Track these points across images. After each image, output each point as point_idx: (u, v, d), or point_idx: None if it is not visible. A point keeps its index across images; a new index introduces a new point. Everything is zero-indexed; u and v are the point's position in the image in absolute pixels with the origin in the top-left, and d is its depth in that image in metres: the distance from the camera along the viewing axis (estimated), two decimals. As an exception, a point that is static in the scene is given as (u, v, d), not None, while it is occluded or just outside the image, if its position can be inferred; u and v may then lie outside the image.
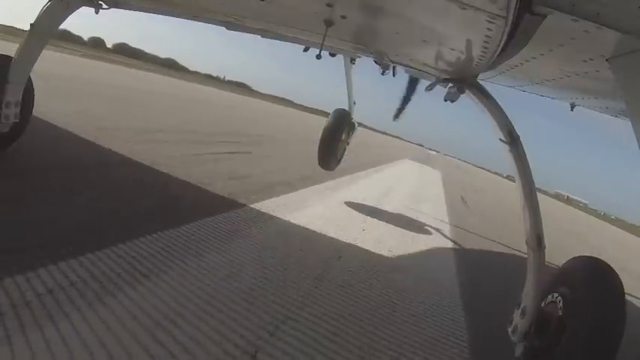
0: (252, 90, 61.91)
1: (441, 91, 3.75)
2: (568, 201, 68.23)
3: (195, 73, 54.96)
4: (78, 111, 7.29)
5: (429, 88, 3.89)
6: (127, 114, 8.91)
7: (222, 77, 62.31)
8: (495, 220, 10.42)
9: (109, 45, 43.03)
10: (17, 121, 3.87)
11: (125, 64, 29.64)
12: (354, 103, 7.18)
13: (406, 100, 5.74)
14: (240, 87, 58.49)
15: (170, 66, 48.20)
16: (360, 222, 5.73)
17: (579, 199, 76.64)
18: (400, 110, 6.09)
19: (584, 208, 62.61)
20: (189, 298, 2.50)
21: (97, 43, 39.37)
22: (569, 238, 13.60)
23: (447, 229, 7.23)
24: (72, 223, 3.03)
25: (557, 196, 70.20)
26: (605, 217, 53.98)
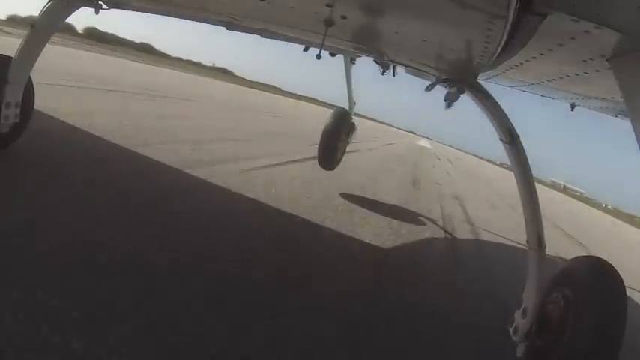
0: (236, 76, 60.33)
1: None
2: (565, 190, 66.33)
3: (178, 59, 53.19)
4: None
5: (429, 88, 3.89)
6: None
7: (211, 64, 61.45)
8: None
9: (79, 29, 40.22)
10: (17, 121, 3.87)
11: (101, 50, 28.21)
12: (355, 102, 7.20)
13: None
14: (224, 73, 56.84)
15: (147, 51, 45.64)
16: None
17: (575, 187, 74.66)
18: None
19: (580, 197, 60.77)
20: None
21: (66, 28, 36.86)
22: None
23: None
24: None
25: (553, 185, 68.31)
26: (605, 209, 51.91)
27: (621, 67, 1.93)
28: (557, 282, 2.67)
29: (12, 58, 3.72)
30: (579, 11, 1.56)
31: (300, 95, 62.85)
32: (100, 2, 3.82)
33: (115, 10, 3.99)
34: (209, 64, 60.80)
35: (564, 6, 1.57)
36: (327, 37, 2.88)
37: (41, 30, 3.77)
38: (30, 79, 4.01)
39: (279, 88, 65.97)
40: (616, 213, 45.62)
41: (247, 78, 60.82)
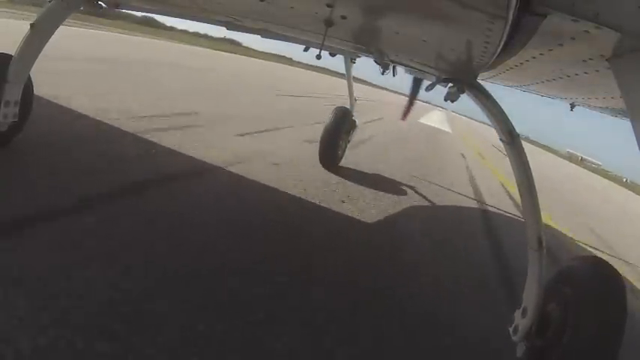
0: (246, 47, 57.38)
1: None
2: (582, 162, 61.85)
3: (184, 31, 51.04)
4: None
5: (429, 88, 3.90)
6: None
7: (223, 36, 59.97)
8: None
9: (79, 5, 38.56)
10: (16, 120, 3.87)
11: (107, 27, 26.48)
12: (355, 100, 7.22)
13: (412, 100, 5.68)
14: (231, 44, 54.02)
15: (150, 25, 43.46)
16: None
17: (592, 159, 70.62)
18: (407, 110, 6.03)
19: (597, 170, 57.18)
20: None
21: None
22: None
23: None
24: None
25: (570, 157, 63.66)
26: (625, 184, 46.63)
27: (621, 67, 1.92)
28: (558, 282, 2.68)
29: (12, 56, 3.73)
30: (579, 11, 1.56)
31: (316, 67, 56.76)
32: (100, 2, 3.83)
33: (115, 9, 4.00)
34: (218, 36, 58.55)
35: (564, 6, 1.56)
36: (327, 37, 2.87)
37: (41, 29, 3.77)
38: (29, 78, 4.02)
39: (290, 59, 63.33)
40: (633, 187, 43.23)
41: (256, 49, 59.31)
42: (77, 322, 2.05)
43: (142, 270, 2.66)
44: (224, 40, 54.18)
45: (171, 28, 47.15)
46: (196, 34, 51.42)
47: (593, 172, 47.40)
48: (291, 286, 3.01)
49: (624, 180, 51.86)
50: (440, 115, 44.87)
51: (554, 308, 2.55)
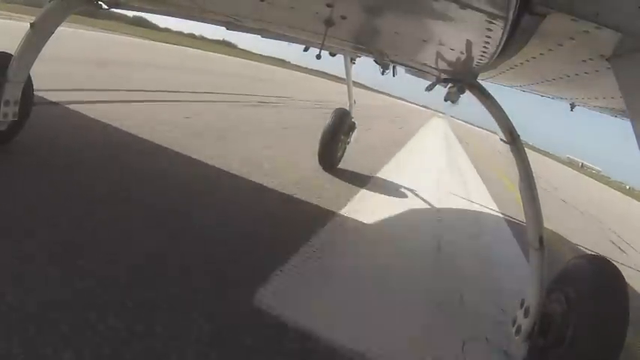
0: (240, 49, 55.37)
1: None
2: (582, 168, 60.51)
3: (179, 32, 49.86)
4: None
5: (429, 88, 3.90)
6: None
7: (221, 38, 59.03)
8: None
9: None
10: (16, 119, 3.87)
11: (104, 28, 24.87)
12: (355, 102, 7.23)
13: None
14: (227, 46, 51.47)
15: (142, 25, 40.73)
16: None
17: (592, 165, 69.65)
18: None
19: (597, 175, 55.79)
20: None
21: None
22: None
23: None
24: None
25: (571, 163, 63.06)
26: (627, 190, 45.84)
27: (621, 67, 1.92)
28: (560, 281, 2.68)
29: (12, 55, 3.73)
30: (579, 11, 1.56)
31: (314, 70, 55.77)
32: (100, 2, 3.83)
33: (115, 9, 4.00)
34: (214, 37, 57.13)
35: (564, 6, 1.57)
36: (327, 37, 2.88)
37: (41, 29, 3.77)
38: (30, 78, 4.03)
39: (288, 62, 60.89)
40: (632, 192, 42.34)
41: (252, 51, 57.84)
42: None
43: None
44: (220, 42, 53.78)
45: (167, 30, 46.41)
46: (191, 36, 50.75)
47: (594, 178, 46.48)
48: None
49: (627, 188, 50.27)
50: (441, 124, 27.10)
51: (557, 308, 2.55)
